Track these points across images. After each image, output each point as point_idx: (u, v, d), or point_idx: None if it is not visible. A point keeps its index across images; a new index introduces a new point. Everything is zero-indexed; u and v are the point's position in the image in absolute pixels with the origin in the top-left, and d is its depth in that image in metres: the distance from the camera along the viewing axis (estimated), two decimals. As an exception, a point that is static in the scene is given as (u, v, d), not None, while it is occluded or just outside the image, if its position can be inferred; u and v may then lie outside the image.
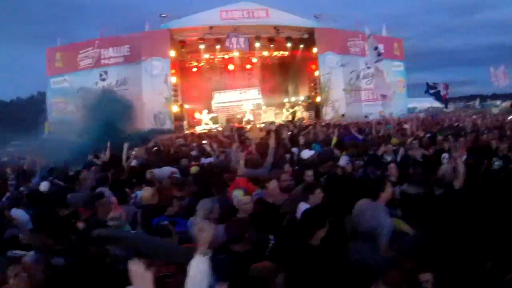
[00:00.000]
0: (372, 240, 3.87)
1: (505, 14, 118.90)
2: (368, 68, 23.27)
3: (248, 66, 27.03)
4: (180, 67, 23.98)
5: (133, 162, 8.11)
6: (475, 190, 5.77)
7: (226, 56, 24.65)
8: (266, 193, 4.83)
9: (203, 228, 2.41)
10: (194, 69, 25.61)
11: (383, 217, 4.03)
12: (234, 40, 20.87)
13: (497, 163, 7.77)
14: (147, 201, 5.13)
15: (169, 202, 4.79)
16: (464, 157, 8.08)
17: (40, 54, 21.70)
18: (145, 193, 5.25)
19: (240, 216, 4.17)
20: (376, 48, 15.76)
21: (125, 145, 7.98)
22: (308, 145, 9.24)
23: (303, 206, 4.34)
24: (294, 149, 8.84)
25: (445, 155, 7.39)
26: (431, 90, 16.50)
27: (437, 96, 16.45)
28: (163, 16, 21.52)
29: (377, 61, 15.77)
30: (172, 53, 20.92)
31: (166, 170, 7.04)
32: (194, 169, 6.98)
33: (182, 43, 21.96)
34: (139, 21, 21.85)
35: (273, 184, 4.82)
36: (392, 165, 6.10)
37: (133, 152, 8.82)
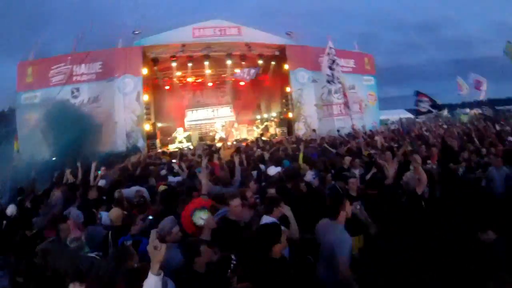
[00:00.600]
0: (332, 258, 3.99)
1: (465, 31, 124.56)
2: (339, 83, 23.78)
3: (221, 84, 27.25)
4: (153, 85, 23.77)
5: (101, 182, 8.10)
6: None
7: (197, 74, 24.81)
8: (230, 211, 4.82)
9: (156, 248, 2.49)
10: (167, 87, 25.50)
11: (340, 237, 4.13)
12: (246, 70, 21.49)
13: (461, 170, 8.59)
14: (115, 222, 5.19)
15: (132, 221, 4.85)
16: (434, 166, 8.60)
17: (10, 68, 20.98)
18: (113, 214, 5.28)
19: (201, 235, 4.21)
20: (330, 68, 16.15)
21: (93, 165, 7.97)
22: (277, 162, 9.33)
23: (265, 220, 4.48)
24: (262, 166, 8.99)
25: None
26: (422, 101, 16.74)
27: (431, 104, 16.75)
28: (136, 33, 21.17)
29: (328, 81, 16.12)
30: (145, 71, 20.70)
31: (135, 189, 7.05)
32: (161, 188, 6.98)
33: (155, 61, 21.89)
34: (113, 37, 21.45)
35: (235, 202, 4.81)
36: (352, 180, 6.17)
37: (99, 172, 8.76)
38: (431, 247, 4.51)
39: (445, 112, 37.70)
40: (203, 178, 5.98)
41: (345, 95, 18.41)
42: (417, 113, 16.57)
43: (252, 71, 21.58)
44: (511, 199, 6.87)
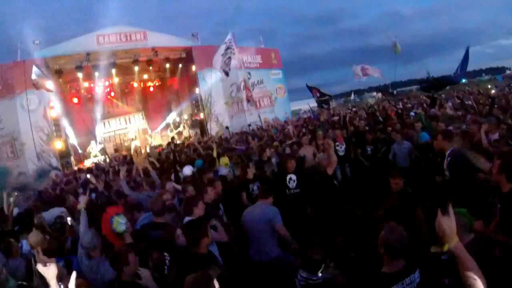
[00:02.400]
0: (271, 231, 4.90)
1: (363, 21, 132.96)
2: (248, 79, 24.46)
3: (130, 91, 26.58)
4: (60, 99, 21.66)
5: (16, 210, 7.87)
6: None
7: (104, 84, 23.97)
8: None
9: (48, 266, 2.46)
10: (75, 100, 24.21)
11: (274, 210, 5.05)
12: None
13: (369, 149, 9.44)
14: (36, 247, 4.70)
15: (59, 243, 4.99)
16: (343, 146, 9.47)
17: None
18: (31, 239, 5.06)
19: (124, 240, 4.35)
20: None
21: (4, 195, 7.74)
22: (191, 162, 9.74)
23: (187, 220, 4.67)
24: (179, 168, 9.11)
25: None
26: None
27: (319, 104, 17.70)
28: (36, 43, 19.17)
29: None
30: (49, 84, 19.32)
31: (55, 212, 6.98)
32: (79, 206, 6.87)
33: (59, 73, 20.74)
34: (9, 50, 19.35)
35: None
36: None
37: (11, 199, 8.43)
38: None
39: (353, 97, 40.46)
40: (125, 188, 6.20)
41: (247, 90, 18.93)
42: (319, 104, 17.53)
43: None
44: (414, 171, 7.64)
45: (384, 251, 2.93)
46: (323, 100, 16.71)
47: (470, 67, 12.86)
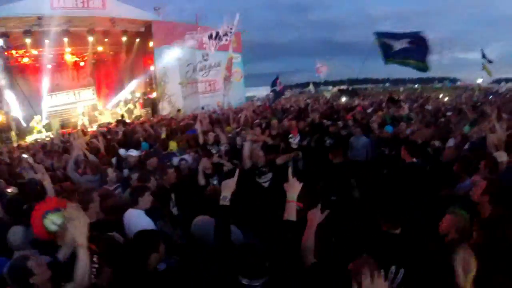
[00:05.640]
0: None
1: (334, 14, 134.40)
2: (205, 60, 24.08)
3: (82, 64, 25.00)
4: (4, 66, 20.43)
5: None
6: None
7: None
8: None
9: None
10: (21, 68, 22.66)
11: None
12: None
13: (328, 141, 9.02)
14: None
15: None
16: (297, 138, 9.26)
17: None
18: None
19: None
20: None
21: None
22: (137, 145, 9.40)
23: (130, 214, 4.33)
24: (121, 151, 8.66)
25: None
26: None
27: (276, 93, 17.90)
28: None
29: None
30: (-8, 49, 18.00)
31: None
32: (11, 192, 6.09)
33: (5, 36, 18.94)
34: None
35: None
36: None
37: None
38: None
39: (311, 89, 41.30)
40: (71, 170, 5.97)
41: (228, 70, 18.78)
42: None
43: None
44: (371, 164, 7.87)
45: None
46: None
47: (425, 75, 13.09)
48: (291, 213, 2.99)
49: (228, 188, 3.25)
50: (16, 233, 3.82)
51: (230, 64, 19.23)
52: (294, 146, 8.95)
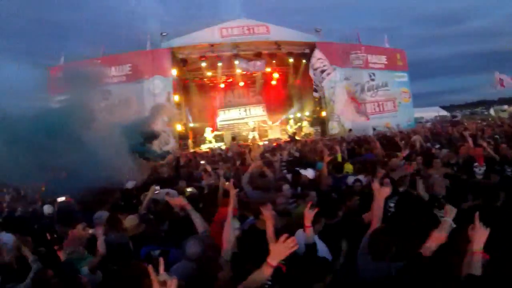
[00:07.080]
0: None
1: (494, 22, 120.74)
2: (372, 80, 23.11)
3: (251, 83, 27.04)
4: (183, 86, 23.83)
5: (129, 184, 7.84)
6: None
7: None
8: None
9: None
10: (197, 87, 25.59)
11: None
12: (251, 63, 22.02)
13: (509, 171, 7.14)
14: (132, 231, 4.60)
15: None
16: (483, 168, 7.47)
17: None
18: (130, 222, 4.70)
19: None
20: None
21: None
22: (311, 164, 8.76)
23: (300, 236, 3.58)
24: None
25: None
26: None
27: None
28: (164, 35, 21.39)
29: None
30: (174, 72, 20.79)
31: (164, 193, 6.69)
32: (187, 192, 6.65)
33: (184, 61, 21.91)
34: (141, 40, 21.55)
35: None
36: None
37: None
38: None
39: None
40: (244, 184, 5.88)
41: (354, 100, 17.81)
42: None
43: (258, 63, 22.13)
44: None
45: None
46: None
47: None
48: (476, 267, 2.51)
49: None
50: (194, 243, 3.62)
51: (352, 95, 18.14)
52: (479, 177, 7.22)
